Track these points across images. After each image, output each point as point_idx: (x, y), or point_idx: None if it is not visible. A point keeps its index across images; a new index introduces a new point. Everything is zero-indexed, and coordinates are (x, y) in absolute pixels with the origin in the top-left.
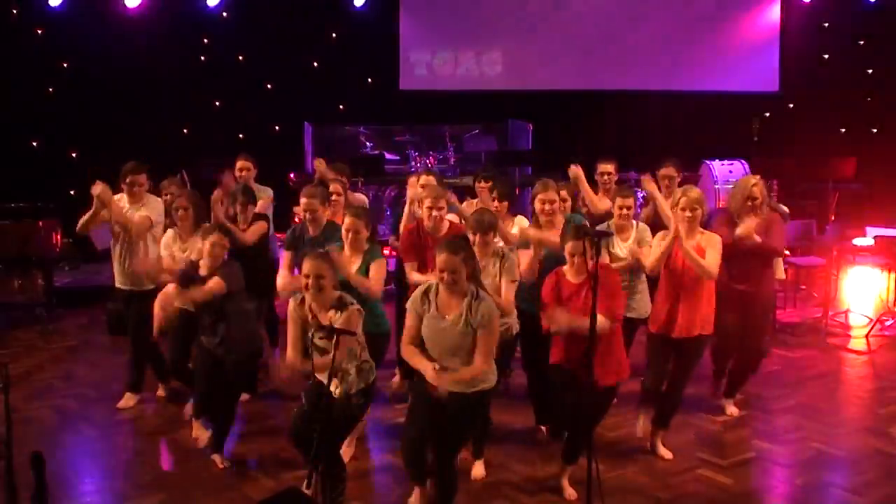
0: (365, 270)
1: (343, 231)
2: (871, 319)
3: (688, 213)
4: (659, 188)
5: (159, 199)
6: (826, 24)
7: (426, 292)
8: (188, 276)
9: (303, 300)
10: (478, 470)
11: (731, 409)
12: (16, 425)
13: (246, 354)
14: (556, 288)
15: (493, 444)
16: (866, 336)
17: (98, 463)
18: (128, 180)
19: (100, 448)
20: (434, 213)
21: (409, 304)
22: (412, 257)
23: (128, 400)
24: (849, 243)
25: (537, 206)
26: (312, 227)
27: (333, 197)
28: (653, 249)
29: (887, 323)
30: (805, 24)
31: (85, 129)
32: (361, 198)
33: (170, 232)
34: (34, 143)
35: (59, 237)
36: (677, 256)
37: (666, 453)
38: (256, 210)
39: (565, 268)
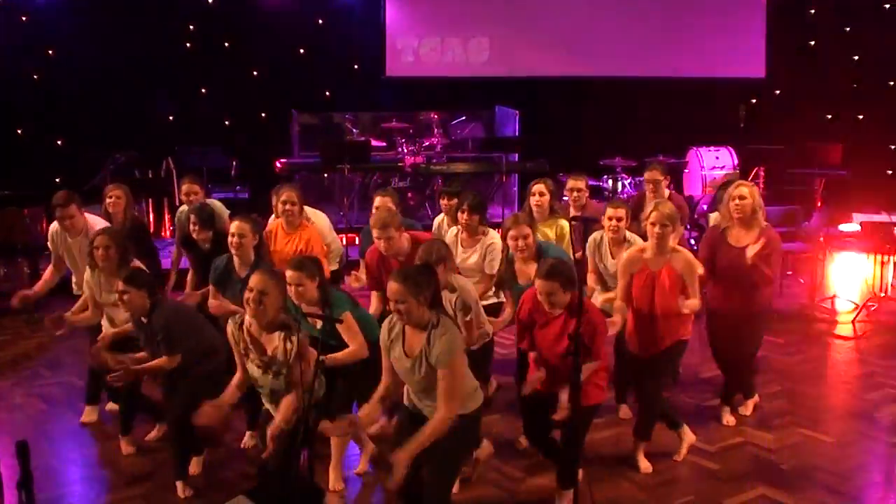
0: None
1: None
2: (858, 305)
3: (657, 230)
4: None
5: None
6: (812, 11)
7: (390, 328)
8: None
9: (242, 322)
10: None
11: (728, 418)
12: (1, 413)
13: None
14: (532, 312)
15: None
16: (852, 322)
17: (84, 451)
18: (58, 214)
19: (86, 436)
20: (382, 243)
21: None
22: (375, 285)
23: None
24: (835, 229)
25: (510, 243)
26: (239, 260)
27: (287, 207)
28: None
29: (873, 308)
30: (791, 10)
31: (70, 117)
32: (321, 218)
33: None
34: (19, 131)
35: (44, 225)
36: (637, 284)
37: (646, 466)
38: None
39: None
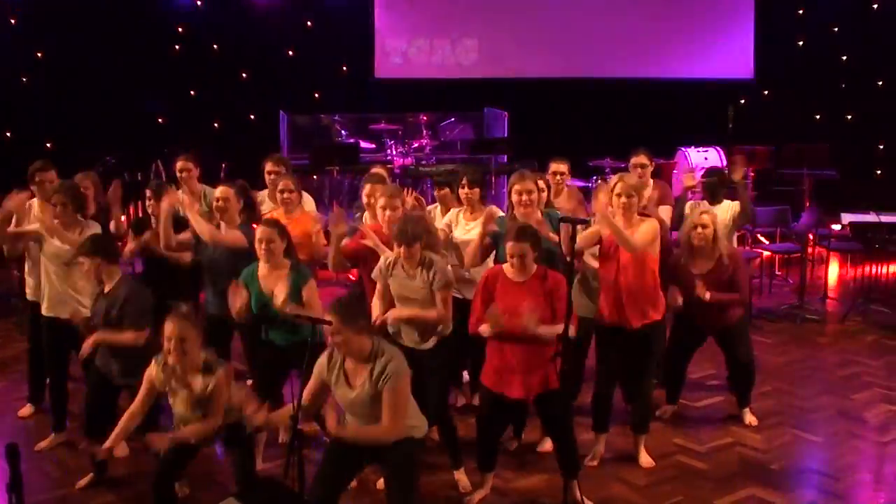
0: (297, 295)
1: (256, 242)
2: (846, 305)
3: (623, 199)
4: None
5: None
6: (801, 11)
7: (331, 358)
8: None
9: (165, 363)
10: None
11: (750, 418)
12: None
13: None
14: (490, 285)
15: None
16: (841, 321)
17: (75, 454)
18: (37, 179)
19: (77, 440)
20: (388, 213)
21: (315, 368)
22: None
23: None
24: (823, 229)
25: (514, 197)
26: (225, 226)
27: (285, 196)
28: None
29: (862, 309)
30: (780, 10)
31: (59, 120)
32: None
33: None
34: (7, 134)
35: None
36: (611, 243)
37: (648, 461)
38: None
39: (506, 266)
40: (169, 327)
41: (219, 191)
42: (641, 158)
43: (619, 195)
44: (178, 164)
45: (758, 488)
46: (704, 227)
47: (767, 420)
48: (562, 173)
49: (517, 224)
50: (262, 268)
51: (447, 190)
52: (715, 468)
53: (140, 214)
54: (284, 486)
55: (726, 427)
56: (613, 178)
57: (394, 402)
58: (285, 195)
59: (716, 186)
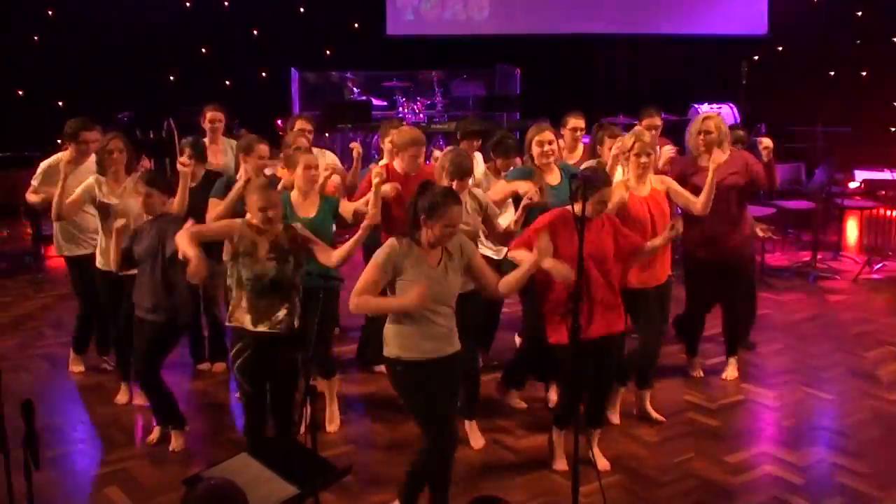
0: (333, 217)
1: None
2: (859, 262)
3: (643, 159)
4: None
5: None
6: None
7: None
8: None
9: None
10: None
11: (732, 372)
12: (7, 373)
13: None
14: (556, 225)
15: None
16: (854, 279)
17: (89, 410)
18: (80, 138)
19: (91, 395)
20: (414, 161)
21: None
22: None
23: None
24: (837, 186)
25: (535, 149)
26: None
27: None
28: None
29: (875, 266)
30: None
31: (71, 78)
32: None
33: (93, 179)
34: (19, 92)
35: None
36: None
37: (658, 416)
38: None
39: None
40: (262, 199)
41: (210, 114)
42: (655, 120)
43: (637, 155)
44: (209, 115)
45: (769, 446)
46: (708, 132)
47: (779, 377)
48: (581, 129)
49: (601, 170)
50: (296, 196)
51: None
52: (726, 425)
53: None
54: (297, 442)
55: (738, 384)
56: (629, 138)
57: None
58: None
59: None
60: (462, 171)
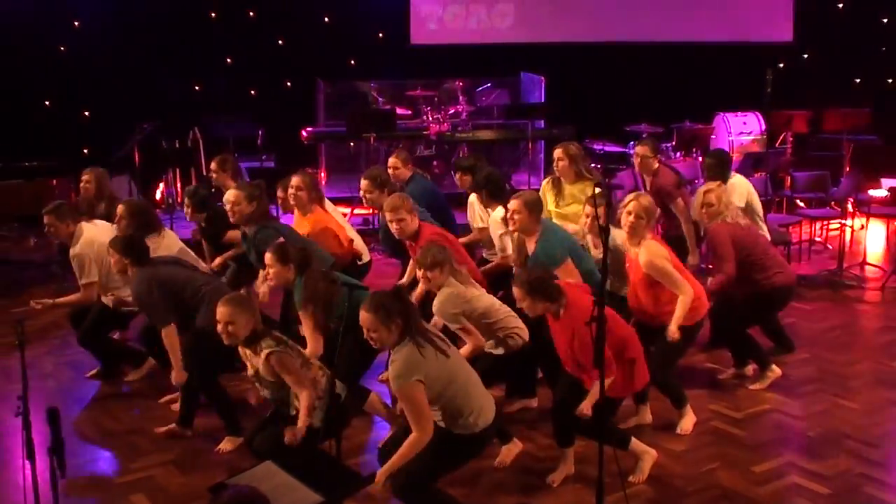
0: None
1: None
2: (886, 271)
3: (631, 219)
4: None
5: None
6: None
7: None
8: None
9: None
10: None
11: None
12: (33, 381)
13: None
14: None
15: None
16: (881, 288)
17: (114, 418)
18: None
19: (116, 403)
20: (394, 225)
21: None
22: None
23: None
24: (863, 195)
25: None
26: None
27: (291, 191)
28: None
29: None
30: None
31: (96, 88)
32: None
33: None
34: (46, 103)
35: (72, 196)
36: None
37: (687, 426)
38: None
39: None
40: (219, 312)
41: (229, 194)
42: (644, 150)
43: (630, 213)
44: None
45: (794, 455)
46: (710, 205)
47: (805, 387)
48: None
49: (523, 273)
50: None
51: (469, 176)
52: (751, 435)
53: (178, 184)
54: (321, 451)
55: (763, 393)
56: (629, 197)
57: (409, 410)
58: (291, 191)
59: (715, 168)
60: (423, 263)
